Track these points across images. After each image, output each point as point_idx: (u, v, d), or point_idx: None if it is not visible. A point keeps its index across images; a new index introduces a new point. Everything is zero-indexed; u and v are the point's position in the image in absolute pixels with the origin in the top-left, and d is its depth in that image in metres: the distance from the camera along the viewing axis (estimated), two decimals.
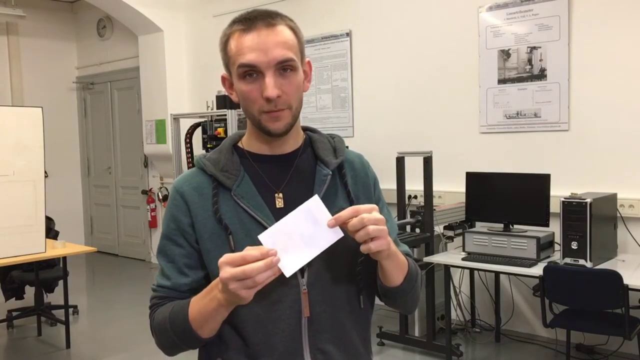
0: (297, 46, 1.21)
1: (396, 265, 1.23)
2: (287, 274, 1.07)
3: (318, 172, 1.27)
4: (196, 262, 1.24)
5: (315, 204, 1.12)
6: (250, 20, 1.18)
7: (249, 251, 1.05)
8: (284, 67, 1.18)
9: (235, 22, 1.21)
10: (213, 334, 1.20)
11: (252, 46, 1.16)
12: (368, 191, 1.33)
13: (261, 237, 1.09)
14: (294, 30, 1.22)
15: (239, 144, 1.31)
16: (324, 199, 1.22)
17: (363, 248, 1.11)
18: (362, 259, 1.23)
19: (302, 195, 1.23)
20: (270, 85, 1.16)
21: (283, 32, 1.19)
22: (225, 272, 1.05)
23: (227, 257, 1.06)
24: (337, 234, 1.11)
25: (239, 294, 1.05)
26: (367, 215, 1.10)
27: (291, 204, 1.22)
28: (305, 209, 1.11)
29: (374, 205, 1.13)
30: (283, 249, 1.07)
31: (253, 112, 1.20)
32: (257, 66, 1.16)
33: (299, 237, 1.09)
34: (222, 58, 1.24)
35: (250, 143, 1.29)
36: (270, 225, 1.17)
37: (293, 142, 1.28)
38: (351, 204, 1.26)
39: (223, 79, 1.27)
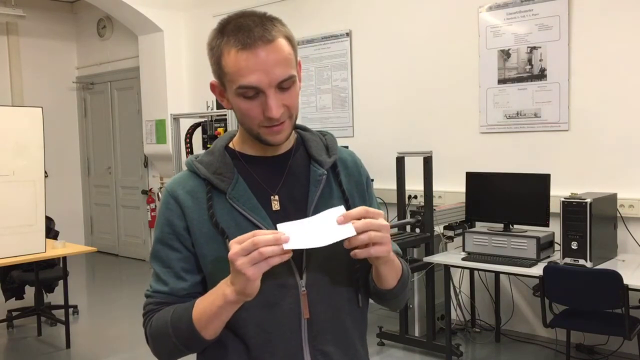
0: (294, 57, 1.17)
1: (392, 269, 1.23)
2: (287, 247, 1.05)
3: (312, 172, 1.26)
4: (193, 266, 1.22)
5: (334, 211, 1.12)
6: (246, 36, 1.12)
7: (259, 231, 1.06)
8: (285, 84, 1.15)
9: (228, 34, 1.14)
10: (217, 334, 1.18)
11: (252, 67, 1.12)
12: (361, 190, 1.33)
13: (279, 226, 1.08)
14: (290, 40, 1.17)
15: (230, 145, 1.29)
16: (320, 199, 1.23)
17: (360, 252, 1.10)
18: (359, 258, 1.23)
19: (297, 196, 1.24)
20: (274, 106, 1.13)
21: (282, 47, 1.14)
22: (234, 247, 1.04)
23: (237, 237, 1.06)
24: (350, 232, 1.09)
25: (245, 272, 1.03)
26: (372, 220, 1.09)
27: (287, 206, 1.23)
28: (324, 213, 1.12)
29: (381, 212, 1.13)
30: (295, 236, 1.07)
31: (252, 126, 1.18)
32: (258, 87, 1.13)
33: (312, 230, 1.09)
34: (212, 65, 1.19)
35: (242, 145, 1.27)
36: (267, 228, 1.17)
37: (286, 143, 1.26)
38: (346, 203, 1.27)
39: (212, 86, 1.23)
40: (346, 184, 1.30)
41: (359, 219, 1.09)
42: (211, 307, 1.14)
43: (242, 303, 1.12)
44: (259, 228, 1.17)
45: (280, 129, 1.18)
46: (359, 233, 1.08)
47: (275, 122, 1.16)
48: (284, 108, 1.16)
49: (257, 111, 1.15)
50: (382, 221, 1.10)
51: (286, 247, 1.05)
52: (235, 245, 1.05)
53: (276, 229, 1.17)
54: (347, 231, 1.09)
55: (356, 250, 1.10)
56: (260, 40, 1.12)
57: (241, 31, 1.13)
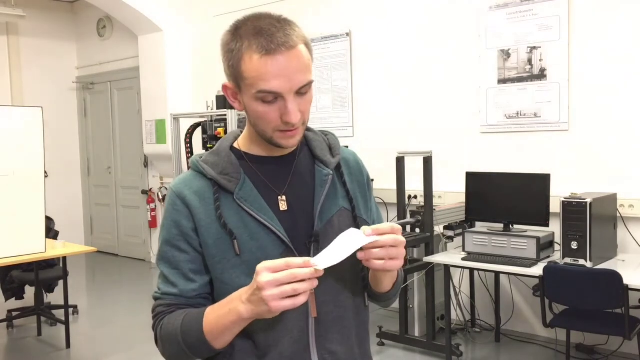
0: (311, 62, 1.18)
1: (391, 276, 1.27)
2: (321, 267, 1.06)
3: (318, 172, 1.27)
4: (201, 267, 1.22)
5: (352, 232, 1.14)
6: (269, 41, 1.12)
7: (291, 259, 1.05)
8: (303, 90, 1.16)
9: (248, 37, 1.14)
10: (227, 344, 1.17)
11: (275, 73, 1.12)
12: (363, 189, 1.34)
13: (312, 260, 1.08)
14: (307, 45, 1.18)
15: (235, 145, 1.28)
16: (326, 199, 1.23)
17: (376, 264, 1.12)
18: None
19: (304, 197, 1.25)
20: (294, 111, 1.14)
21: (302, 53, 1.15)
22: (266, 276, 1.03)
23: (267, 263, 1.05)
24: (363, 240, 1.10)
25: (269, 304, 1.03)
26: (395, 236, 1.12)
27: (294, 206, 1.23)
28: (343, 235, 1.13)
29: (400, 228, 1.15)
30: (321, 261, 1.08)
31: (266, 129, 1.18)
32: (279, 93, 1.14)
33: (334, 251, 1.10)
34: (228, 68, 1.18)
35: (248, 145, 1.27)
36: (275, 228, 1.19)
37: None
38: (350, 202, 1.28)
39: (225, 87, 1.22)
40: (350, 184, 1.31)
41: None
42: (223, 321, 1.13)
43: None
44: (268, 229, 1.19)
45: (295, 133, 1.19)
46: (377, 246, 1.10)
47: (291, 126, 1.17)
48: (300, 114, 1.17)
49: (274, 115, 1.16)
50: (401, 237, 1.13)
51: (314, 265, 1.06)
52: (268, 274, 1.03)
53: (282, 226, 1.20)
54: (360, 240, 1.10)
55: (372, 262, 1.12)
56: (284, 47, 1.12)
57: (263, 36, 1.13)
